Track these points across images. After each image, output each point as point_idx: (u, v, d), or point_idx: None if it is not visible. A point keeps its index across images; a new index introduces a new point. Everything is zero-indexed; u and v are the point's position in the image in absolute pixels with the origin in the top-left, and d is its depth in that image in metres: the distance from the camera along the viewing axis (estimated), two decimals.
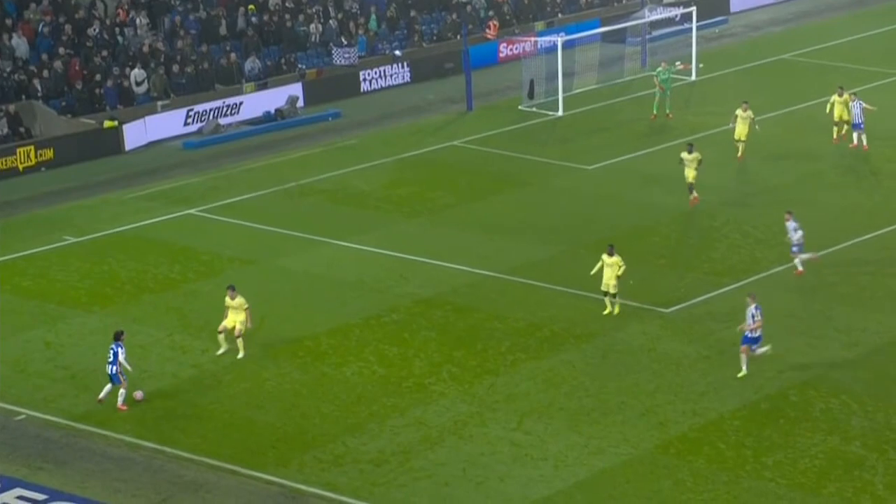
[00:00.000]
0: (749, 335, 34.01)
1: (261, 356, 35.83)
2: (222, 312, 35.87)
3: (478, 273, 40.67)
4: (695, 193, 44.67)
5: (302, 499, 29.72)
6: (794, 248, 39.58)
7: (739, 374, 33.85)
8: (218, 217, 46.01)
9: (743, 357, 34.06)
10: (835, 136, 49.46)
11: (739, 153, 48.45)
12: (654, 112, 54.18)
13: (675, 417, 32.45)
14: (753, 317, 33.87)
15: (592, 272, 37.60)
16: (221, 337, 35.51)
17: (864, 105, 48.62)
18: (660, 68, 54.50)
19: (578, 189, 47.49)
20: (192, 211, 46.63)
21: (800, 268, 39.67)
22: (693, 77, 59.32)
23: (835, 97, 49.42)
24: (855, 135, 48.98)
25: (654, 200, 46.17)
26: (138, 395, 33.43)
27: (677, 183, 47.72)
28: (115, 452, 31.57)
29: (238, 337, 35.29)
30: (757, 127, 48.10)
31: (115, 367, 32.97)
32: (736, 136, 48.46)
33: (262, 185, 48.75)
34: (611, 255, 37.27)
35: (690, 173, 44.52)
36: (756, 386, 33.80)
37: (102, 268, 42.05)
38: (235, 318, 35.37)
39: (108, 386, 33.21)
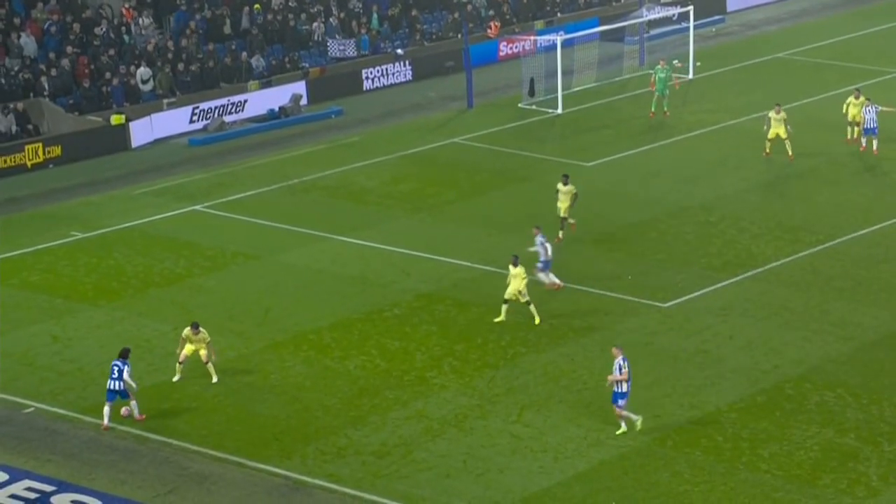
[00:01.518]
0: (617, 390, 31.15)
1: (264, 350, 35.81)
2: (228, 305, 35.74)
3: (478, 268, 40.65)
4: (560, 233, 41.54)
5: (305, 490, 29.72)
6: (540, 265, 37.94)
7: (618, 432, 31.21)
8: (222, 213, 45.99)
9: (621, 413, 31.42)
10: (848, 136, 49.34)
11: (790, 153, 48.06)
12: (653, 110, 54.13)
13: (672, 410, 32.43)
14: (620, 368, 31.08)
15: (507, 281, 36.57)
16: (180, 367, 34.01)
17: (880, 109, 48.32)
18: (658, 66, 54.45)
19: (577, 185, 47.37)
20: (197, 207, 46.62)
21: (547, 281, 38.15)
22: (690, 75, 59.26)
23: (851, 98, 49.37)
24: (864, 139, 48.48)
25: (652, 196, 46.14)
26: (125, 411, 32.47)
27: (675, 179, 47.75)
28: (122, 444, 31.56)
29: (207, 363, 34.01)
30: (789, 127, 48.01)
31: (119, 384, 31.89)
32: (770, 136, 48.20)
33: (266, 182, 48.73)
34: (515, 265, 36.38)
35: (563, 205, 41.44)
36: (752, 379, 33.78)
37: (109, 262, 42.04)
38: (195, 348, 33.95)
39: (107, 408, 31.91)
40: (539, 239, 38.23)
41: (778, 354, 34.97)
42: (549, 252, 38.24)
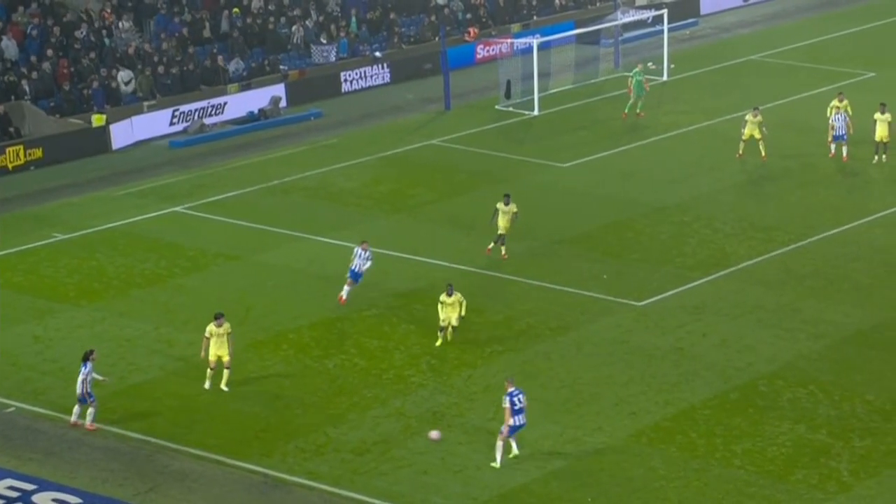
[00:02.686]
0: (514, 422, 29.90)
1: (245, 349, 35.78)
2: (210, 305, 35.68)
3: (456, 268, 40.69)
4: (503, 251, 40.69)
5: (285, 487, 29.73)
6: (355, 276, 37.42)
7: (493, 464, 30.03)
8: (203, 214, 45.94)
9: (499, 445, 30.07)
10: (829, 138, 49.07)
11: (763, 154, 48.10)
12: (626, 111, 54.22)
13: (647, 407, 32.53)
14: (514, 401, 29.87)
15: (441, 317, 35.19)
16: (211, 374, 33.42)
17: (849, 119, 48.03)
18: (636, 69, 54.56)
19: (554, 186, 47.55)
20: (178, 208, 46.55)
21: (344, 296, 37.57)
22: (665, 77, 59.41)
23: (835, 102, 49.33)
24: (833, 146, 47.92)
25: (628, 197, 46.24)
26: (80, 419, 32.04)
27: (650, 180, 47.88)
28: (103, 443, 31.51)
29: (228, 368, 33.61)
30: (765, 129, 48.10)
31: (82, 387, 31.47)
32: (745, 137, 48.25)
33: (247, 183, 48.68)
34: (450, 294, 35.03)
35: (503, 223, 40.46)
36: (726, 376, 33.91)
37: (91, 263, 41.95)
38: (218, 351, 33.30)
39: (77, 407, 31.80)
40: (367, 253, 37.34)
41: (751, 352, 35.11)
42: (368, 268, 37.45)
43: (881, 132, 47.49)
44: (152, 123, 54.51)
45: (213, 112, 55.80)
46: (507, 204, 40.77)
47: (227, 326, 33.61)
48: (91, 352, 32.22)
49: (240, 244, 43.03)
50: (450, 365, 34.71)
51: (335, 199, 47.05)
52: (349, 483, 29.73)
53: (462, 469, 30.18)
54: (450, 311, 35.26)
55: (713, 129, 52.97)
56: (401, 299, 38.61)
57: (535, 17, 67.09)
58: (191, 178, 49.68)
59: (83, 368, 31.75)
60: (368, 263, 37.63)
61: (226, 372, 33.57)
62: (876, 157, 47.72)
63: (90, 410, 31.84)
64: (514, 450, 30.42)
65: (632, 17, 62.39)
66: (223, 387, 33.52)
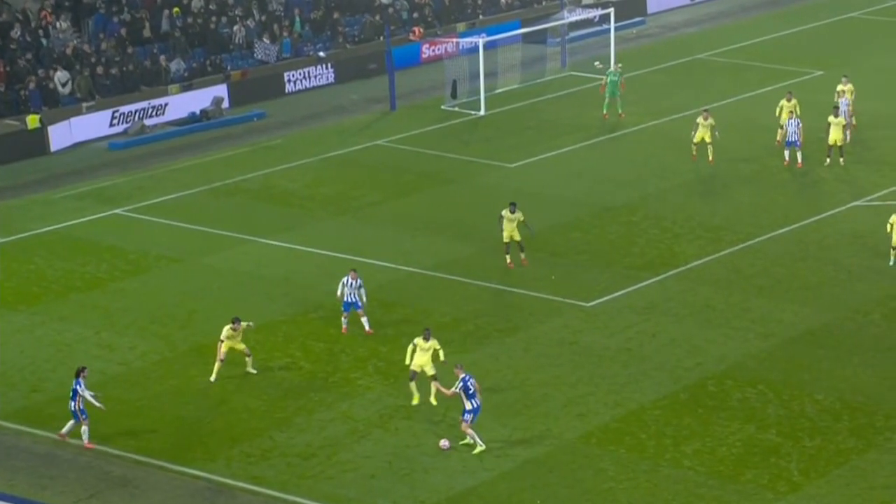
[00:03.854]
0: (472, 405, 30.37)
1: (189, 353, 35.65)
2: (151, 308, 35.46)
3: (402, 269, 40.72)
4: (508, 259, 40.01)
5: (229, 493, 29.64)
6: (348, 307, 36.22)
7: (478, 448, 30.54)
8: (145, 216, 45.72)
9: (470, 433, 30.60)
10: (778, 138, 49.36)
11: (710, 157, 48.31)
12: (605, 112, 54.29)
13: (596, 408, 32.67)
14: (468, 385, 30.31)
15: (407, 361, 32.83)
16: (220, 365, 33.85)
17: (801, 125, 48.03)
18: (610, 70, 54.71)
19: (501, 186, 47.65)
20: (118, 211, 46.31)
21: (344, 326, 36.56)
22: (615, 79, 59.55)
23: (783, 101, 49.57)
24: (787, 151, 47.88)
25: (575, 196, 46.43)
26: (66, 430, 31.70)
27: (598, 180, 48.09)
28: (42, 449, 31.29)
29: (249, 356, 34.24)
30: (716, 133, 48.27)
31: (74, 404, 31.12)
32: (696, 140, 48.38)
33: (189, 185, 48.49)
34: (427, 339, 32.80)
35: (508, 231, 39.60)
36: (675, 377, 34.11)
37: (29, 267, 41.65)
38: (235, 345, 34.01)
39: (71, 422, 31.30)
40: (357, 281, 36.14)
41: (700, 352, 35.34)
42: (354, 297, 36.17)
43: (834, 135, 47.77)
44: (91, 125, 54.19)
45: (153, 113, 55.54)
46: (512, 212, 39.73)
47: (242, 328, 34.29)
48: (83, 368, 31.68)
49: (182, 247, 42.86)
50: (397, 368, 34.69)
51: (279, 200, 46.95)
52: (295, 488, 29.70)
53: (410, 472, 30.21)
54: (422, 358, 32.55)
55: (661, 128, 53.26)
56: None
57: (480, 17, 67.25)
58: (131, 181, 49.42)
59: (79, 386, 31.12)
60: (362, 290, 36.19)
61: (248, 359, 34.26)
62: (828, 160, 47.98)
63: (84, 429, 31.20)
64: (480, 445, 30.53)
65: (578, 16, 62.66)
66: (251, 370, 34.23)
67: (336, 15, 63.47)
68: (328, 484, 29.80)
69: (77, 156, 52.51)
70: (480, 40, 57.18)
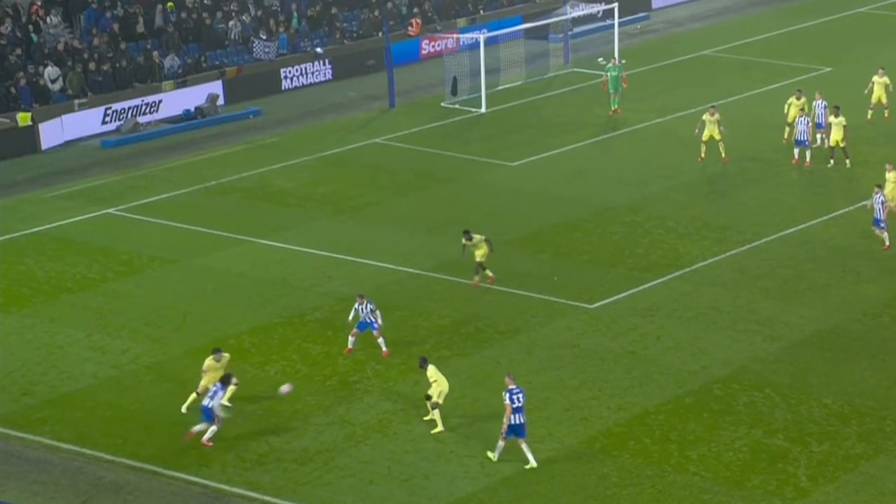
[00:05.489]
0: (513, 420, 30.08)
1: (183, 356, 35.68)
2: (145, 310, 35.46)
3: (402, 270, 40.74)
4: (476, 277, 39.14)
5: (224, 498, 29.66)
6: (363, 326, 35.39)
7: (489, 454, 30.52)
8: (138, 216, 45.75)
9: (500, 445, 30.40)
10: (786, 136, 49.42)
11: (723, 155, 48.29)
12: (613, 107, 54.24)
13: (599, 412, 32.69)
14: (514, 399, 30.02)
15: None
16: (195, 398, 32.48)
17: (811, 124, 48.05)
18: (609, 65, 54.76)
19: (502, 185, 47.70)
20: (111, 210, 46.34)
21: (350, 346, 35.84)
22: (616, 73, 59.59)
23: (792, 99, 49.58)
24: (796, 150, 47.82)
25: (578, 196, 46.45)
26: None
27: (601, 179, 48.12)
28: (34, 455, 31.32)
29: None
30: (723, 129, 48.27)
31: (210, 401, 31.09)
32: (705, 139, 48.32)
33: (183, 184, 48.53)
34: (424, 367, 32.24)
35: (479, 254, 38.74)
36: (680, 380, 34.12)
37: (19, 268, 41.67)
38: (214, 377, 32.50)
39: (201, 425, 31.32)
40: (369, 306, 35.36)
41: (705, 355, 35.35)
42: (368, 318, 35.38)
43: (836, 136, 47.78)
44: (83, 122, 54.23)
45: (147, 110, 55.57)
46: (469, 239, 38.70)
47: (225, 360, 32.87)
48: (230, 376, 31.65)
49: (176, 247, 42.88)
50: (396, 371, 34.74)
51: (275, 200, 46.97)
52: (291, 493, 29.71)
53: (409, 478, 30.22)
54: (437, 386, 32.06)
55: (665, 126, 53.30)
56: (344, 303, 38.49)
57: (481, 12, 67.32)
58: (124, 180, 49.45)
59: (220, 391, 31.18)
60: (376, 313, 35.29)
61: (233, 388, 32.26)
62: (831, 162, 47.97)
63: (213, 428, 31.25)
64: (531, 461, 30.18)
65: (581, 11, 62.66)
66: (226, 402, 32.00)
67: (334, 10, 63.52)
68: (325, 490, 29.82)
69: (69, 154, 52.54)
70: (481, 36, 57.22)
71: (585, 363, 35.01)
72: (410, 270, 40.69)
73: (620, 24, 61.48)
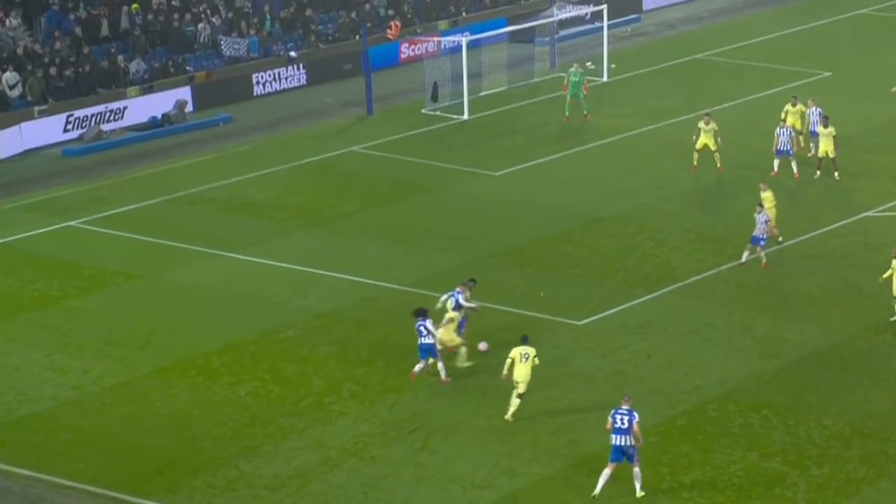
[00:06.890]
0: (612, 441, 30.12)
1: (149, 376, 35.55)
2: (108, 328, 35.36)
3: (380, 285, 40.67)
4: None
5: None
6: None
7: (638, 495, 30.13)
8: (102, 229, 45.65)
9: (605, 472, 30.23)
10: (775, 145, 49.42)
11: (718, 165, 48.23)
12: (567, 114, 54.53)
13: (587, 434, 32.61)
14: (615, 419, 30.00)
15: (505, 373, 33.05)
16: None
17: (794, 133, 48.06)
18: (571, 69, 54.89)
19: (485, 195, 47.69)
20: (73, 223, 46.24)
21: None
22: (605, 78, 59.78)
23: (788, 106, 49.59)
24: (777, 162, 47.64)
25: (566, 206, 46.45)
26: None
27: (589, 188, 48.13)
28: None
29: None
30: (719, 139, 48.23)
31: (428, 338, 33.96)
32: (699, 147, 48.27)
33: (150, 195, 48.45)
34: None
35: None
36: (673, 401, 34.08)
37: None
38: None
39: (421, 364, 34.16)
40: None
41: (699, 374, 35.33)
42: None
43: (825, 147, 47.77)
44: (44, 130, 54.18)
45: (111, 117, 55.53)
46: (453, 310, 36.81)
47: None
48: (425, 310, 34.55)
49: (142, 261, 42.78)
50: (373, 391, 34.65)
51: (247, 211, 46.93)
52: None
53: None
54: (522, 371, 32.95)
55: (657, 133, 53.40)
56: (320, 320, 38.52)
57: (464, 14, 67.42)
58: (87, 190, 49.37)
59: (424, 325, 34.18)
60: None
61: None
62: (818, 173, 47.96)
63: (441, 365, 34.23)
64: (638, 491, 29.92)
65: (568, 13, 62.78)
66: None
67: (308, 12, 63.53)
68: None
69: (28, 163, 52.47)
70: (463, 39, 57.26)
71: (573, 383, 34.96)
72: (389, 285, 40.62)
73: (610, 27, 61.59)
